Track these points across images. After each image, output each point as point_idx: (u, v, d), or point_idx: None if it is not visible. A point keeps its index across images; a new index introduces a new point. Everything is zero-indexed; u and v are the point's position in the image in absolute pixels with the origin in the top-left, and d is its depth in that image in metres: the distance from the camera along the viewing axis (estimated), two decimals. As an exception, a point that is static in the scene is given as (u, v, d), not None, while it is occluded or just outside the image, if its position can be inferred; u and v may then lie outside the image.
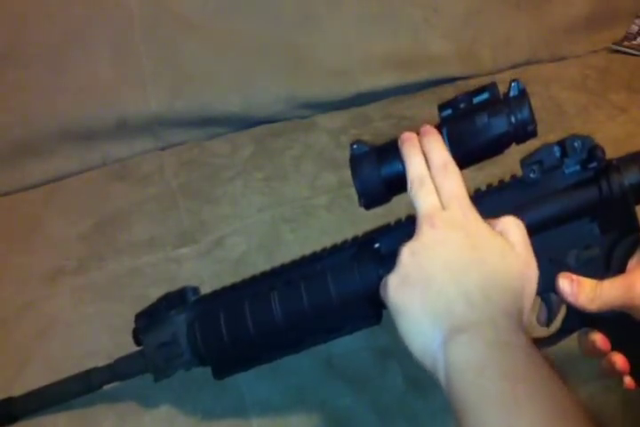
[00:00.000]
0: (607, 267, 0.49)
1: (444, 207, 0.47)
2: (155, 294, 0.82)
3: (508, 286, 0.44)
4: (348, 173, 1.01)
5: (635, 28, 1.30)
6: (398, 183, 0.52)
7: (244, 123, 1.13)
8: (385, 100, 1.17)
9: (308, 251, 0.87)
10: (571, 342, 0.54)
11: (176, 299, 0.64)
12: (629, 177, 0.49)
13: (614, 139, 1.02)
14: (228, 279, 0.83)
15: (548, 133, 1.08)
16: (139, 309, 0.80)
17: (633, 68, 1.22)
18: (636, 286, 0.47)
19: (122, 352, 0.67)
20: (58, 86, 1.03)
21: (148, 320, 0.64)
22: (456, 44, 1.21)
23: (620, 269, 0.49)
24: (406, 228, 0.54)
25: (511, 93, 0.52)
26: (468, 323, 0.42)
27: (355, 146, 0.53)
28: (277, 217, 0.92)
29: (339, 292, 0.56)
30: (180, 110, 1.09)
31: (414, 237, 0.46)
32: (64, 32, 1.02)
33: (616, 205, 0.49)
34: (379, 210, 0.95)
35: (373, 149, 0.53)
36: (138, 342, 0.65)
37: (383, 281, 0.47)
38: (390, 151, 0.52)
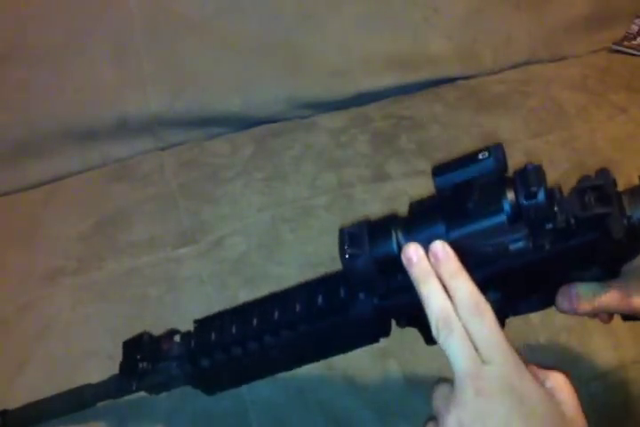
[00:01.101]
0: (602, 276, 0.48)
1: (483, 360, 0.40)
2: (155, 293, 0.82)
3: None
4: (347, 173, 1.01)
5: (635, 28, 1.30)
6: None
7: (243, 123, 1.13)
8: (385, 100, 1.17)
9: (307, 251, 0.87)
10: (571, 341, 0.54)
11: (163, 347, 0.59)
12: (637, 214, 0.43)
13: (614, 139, 1.02)
14: (228, 279, 0.84)
15: (548, 133, 1.10)
16: (138, 309, 0.81)
17: (633, 68, 1.22)
18: (632, 297, 0.46)
19: (121, 352, 0.67)
20: (58, 86, 1.03)
21: (136, 371, 0.59)
22: (456, 44, 1.21)
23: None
24: None
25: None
26: None
27: (347, 256, 0.47)
28: (277, 217, 0.92)
29: (336, 331, 0.53)
30: (179, 110, 1.09)
31: (458, 401, 0.40)
32: (64, 32, 1.02)
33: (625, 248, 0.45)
34: (379, 210, 0.95)
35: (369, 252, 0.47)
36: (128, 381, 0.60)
37: None
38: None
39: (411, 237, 0.46)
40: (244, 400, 0.68)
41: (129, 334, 0.66)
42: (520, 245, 0.43)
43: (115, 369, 0.70)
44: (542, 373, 0.42)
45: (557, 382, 0.42)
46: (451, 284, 0.42)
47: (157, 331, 0.77)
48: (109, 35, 1.04)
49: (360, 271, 0.47)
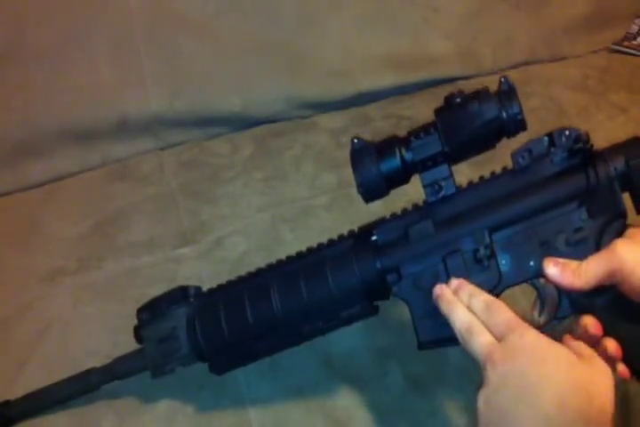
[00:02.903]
0: (597, 250, 0.50)
1: (499, 340, 0.47)
2: (154, 294, 0.82)
3: (583, 396, 0.43)
4: (347, 172, 1.00)
5: (635, 28, 1.30)
6: (396, 177, 0.55)
7: (244, 123, 1.13)
8: (385, 100, 1.17)
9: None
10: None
11: (178, 295, 0.65)
12: (615, 164, 0.52)
13: (614, 139, 1.02)
14: (228, 279, 0.83)
15: (548, 133, 1.09)
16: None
17: (633, 68, 1.22)
18: (618, 254, 0.48)
19: (121, 352, 0.67)
20: (58, 86, 1.03)
21: (149, 314, 0.64)
22: (456, 44, 1.21)
23: None
24: (402, 219, 0.58)
25: (501, 88, 0.53)
26: None
27: (355, 140, 0.57)
28: (277, 217, 0.92)
29: (337, 283, 0.57)
30: (179, 110, 1.09)
31: (484, 383, 0.46)
32: (64, 32, 1.02)
33: (603, 191, 0.51)
34: (378, 210, 0.95)
35: (373, 145, 0.57)
36: (139, 338, 0.65)
37: None
38: (389, 147, 0.55)
39: (412, 151, 0.55)
40: (244, 400, 0.68)
41: (129, 334, 0.66)
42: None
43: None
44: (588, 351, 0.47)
45: (597, 363, 0.46)
46: (470, 302, 0.50)
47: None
48: (109, 35, 1.04)
49: (372, 183, 0.56)
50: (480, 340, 0.47)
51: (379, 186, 0.56)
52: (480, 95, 0.52)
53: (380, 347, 0.71)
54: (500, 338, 0.47)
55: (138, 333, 0.65)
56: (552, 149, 0.52)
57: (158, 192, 1.00)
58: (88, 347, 0.75)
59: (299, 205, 0.93)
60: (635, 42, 1.29)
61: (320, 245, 0.61)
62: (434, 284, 0.53)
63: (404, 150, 0.55)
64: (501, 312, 0.48)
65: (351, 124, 1.11)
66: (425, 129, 0.55)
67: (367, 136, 1.06)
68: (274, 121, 1.14)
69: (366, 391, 0.67)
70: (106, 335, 0.76)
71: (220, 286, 0.65)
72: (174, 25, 1.07)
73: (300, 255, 0.61)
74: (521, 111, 0.52)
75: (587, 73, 1.21)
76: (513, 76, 1.29)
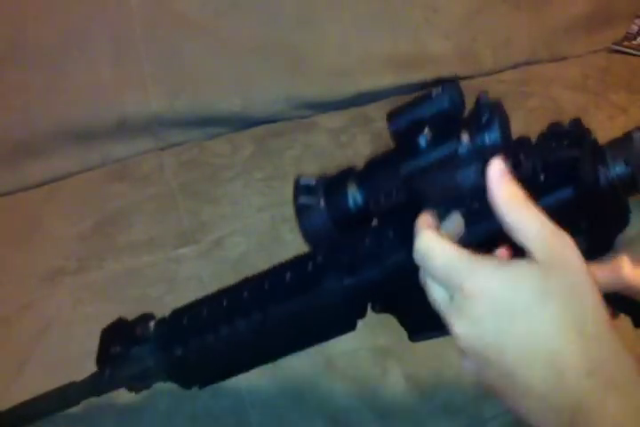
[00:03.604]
0: (592, 250, 0.44)
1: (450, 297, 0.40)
2: (155, 293, 0.82)
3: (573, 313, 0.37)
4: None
5: (635, 28, 1.30)
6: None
7: (244, 123, 1.13)
8: (385, 100, 1.17)
9: (307, 251, 0.87)
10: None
11: (136, 331, 0.58)
12: (616, 168, 0.41)
13: (614, 139, 1.02)
14: (228, 279, 0.83)
15: (548, 133, 1.08)
16: (138, 309, 0.80)
17: (633, 68, 1.22)
18: (623, 268, 0.44)
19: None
20: (58, 86, 1.03)
21: (111, 358, 0.59)
22: (456, 44, 1.21)
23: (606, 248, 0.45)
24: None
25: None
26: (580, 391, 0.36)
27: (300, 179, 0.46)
28: (277, 217, 0.92)
29: (307, 308, 0.50)
30: (180, 110, 1.09)
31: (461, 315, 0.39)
32: (64, 32, 1.02)
33: (603, 197, 0.43)
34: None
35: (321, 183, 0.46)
36: (103, 372, 0.60)
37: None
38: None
39: (367, 187, 0.44)
40: (244, 400, 0.68)
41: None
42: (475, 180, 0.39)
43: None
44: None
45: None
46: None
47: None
48: (109, 35, 1.04)
49: (314, 224, 0.45)
50: (432, 298, 0.40)
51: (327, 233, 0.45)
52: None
53: (380, 347, 0.71)
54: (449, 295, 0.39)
55: (102, 369, 0.60)
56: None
57: (158, 192, 1.00)
58: (88, 347, 0.75)
59: (299, 205, 0.93)
60: (635, 42, 1.29)
61: (284, 265, 0.55)
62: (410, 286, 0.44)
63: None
64: (433, 258, 0.39)
65: (351, 124, 1.11)
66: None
67: (367, 136, 1.07)
68: (274, 121, 1.14)
69: (366, 391, 0.67)
70: (106, 335, 0.76)
71: (182, 313, 0.58)
72: (174, 25, 1.07)
73: (264, 278, 0.55)
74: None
75: (587, 73, 1.21)
76: (513, 76, 1.30)
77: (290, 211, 1.01)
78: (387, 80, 1.18)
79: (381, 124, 1.18)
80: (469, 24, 1.21)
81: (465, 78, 1.21)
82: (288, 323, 0.51)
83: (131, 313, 0.67)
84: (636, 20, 1.31)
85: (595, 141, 0.42)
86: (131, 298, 0.81)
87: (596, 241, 0.44)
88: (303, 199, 0.45)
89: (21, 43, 1.00)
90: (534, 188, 0.39)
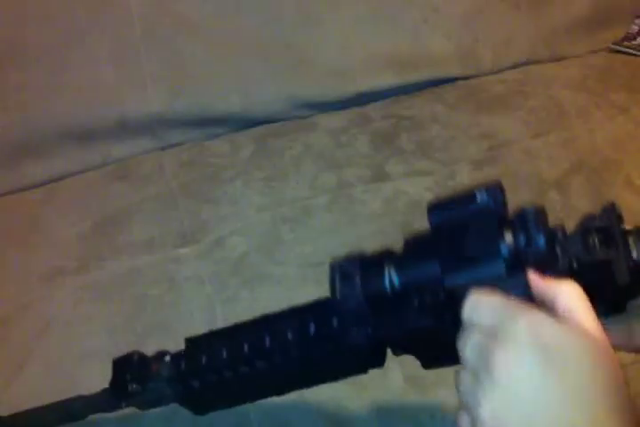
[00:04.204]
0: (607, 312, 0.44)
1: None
2: (155, 293, 0.82)
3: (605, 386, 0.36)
4: (348, 172, 1.01)
5: (635, 28, 1.30)
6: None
7: (244, 123, 1.13)
8: (385, 100, 1.17)
9: (307, 251, 0.87)
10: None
11: (152, 367, 0.58)
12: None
13: (614, 139, 1.02)
14: (228, 279, 0.84)
15: (548, 133, 1.10)
16: (138, 309, 0.80)
17: (633, 68, 1.22)
18: (635, 334, 0.44)
19: (121, 352, 0.66)
20: (58, 86, 1.03)
21: (127, 391, 0.58)
22: (456, 44, 1.21)
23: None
24: None
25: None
26: None
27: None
28: (277, 217, 0.92)
29: (327, 359, 0.51)
30: (180, 110, 1.09)
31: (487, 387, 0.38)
32: (64, 32, 1.02)
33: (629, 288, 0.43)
34: (379, 209, 0.95)
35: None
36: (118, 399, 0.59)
37: None
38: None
39: (404, 276, 0.44)
40: (244, 400, 0.68)
41: (129, 334, 0.66)
42: (519, 292, 0.40)
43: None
44: (550, 291, 0.39)
45: (567, 298, 0.39)
46: None
47: (157, 331, 0.77)
48: (109, 34, 1.04)
49: (352, 309, 0.46)
50: (469, 354, 0.39)
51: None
52: None
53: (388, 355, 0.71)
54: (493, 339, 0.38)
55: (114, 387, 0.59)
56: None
57: (158, 192, 1.00)
58: (88, 347, 0.75)
59: (299, 205, 0.93)
60: (635, 42, 1.28)
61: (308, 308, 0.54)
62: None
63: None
64: (487, 307, 0.39)
65: (351, 125, 1.11)
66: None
67: (367, 136, 1.07)
68: (274, 121, 1.14)
69: (366, 391, 0.67)
70: (106, 335, 0.76)
71: (199, 345, 0.57)
72: (174, 25, 1.07)
73: (282, 321, 0.54)
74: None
75: (587, 73, 1.21)
76: (513, 76, 1.30)
77: (290, 211, 1.01)
78: (387, 80, 1.18)
79: (381, 124, 1.19)
80: (469, 24, 1.21)
81: (465, 78, 1.21)
82: (308, 368, 0.52)
83: (131, 313, 0.67)
84: (636, 20, 1.30)
85: (625, 232, 0.42)
86: (131, 298, 0.81)
87: (611, 306, 0.44)
88: (342, 288, 0.46)
89: (21, 43, 1.00)
90: (565, 275, 0.40)
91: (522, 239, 0.40)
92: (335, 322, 0.50)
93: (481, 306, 0.40)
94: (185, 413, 0.67)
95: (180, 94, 1.09)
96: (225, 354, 0.54)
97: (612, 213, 0.42)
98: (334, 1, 1.13)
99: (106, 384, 0.59)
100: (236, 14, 1.09)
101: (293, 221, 0.91)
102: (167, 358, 0.57)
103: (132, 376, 0.57)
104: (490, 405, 0.37)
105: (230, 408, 0.58)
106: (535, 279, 0.40)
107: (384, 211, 0.90)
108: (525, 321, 0.37)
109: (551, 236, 0.41)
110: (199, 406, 0.58)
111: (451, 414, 0.65)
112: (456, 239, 0.42)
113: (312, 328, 0.51)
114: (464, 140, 1.03)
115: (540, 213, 0.42)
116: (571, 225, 0.44)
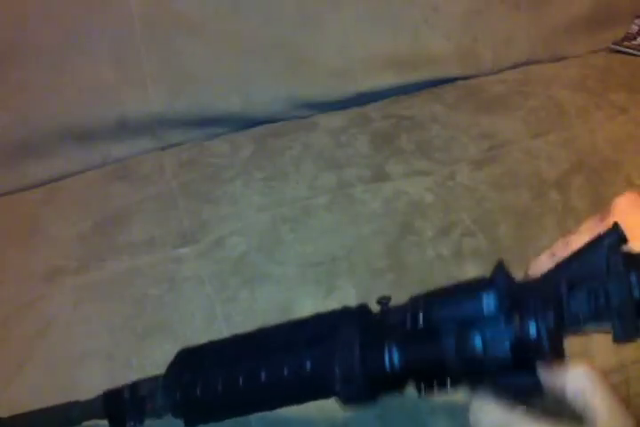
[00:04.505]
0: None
1: None
2: (155, 293, 0.82)
3: None
4: (348, 172, 1.01)
5: (635, 28, 1.30)
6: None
7: (244, 123, 1.13)
8: (385, 100, 1.17)
9: (307, 251, 0.87)
10: (571, 341, 0.54)
11: (147, 389, 0.57)
12: None
13: (614, 139, 1.02)
14: (228, 279, 0.84)
15: (548, 133, 1.10)
16: (138, 309, 0.80)
17: (633, 68, 1.22)
18: None
19: (121, 352, 0.67)
20: (58, 86, 1.03)
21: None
22: (456, 44, 1.21)
23: None
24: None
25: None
26: None
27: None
28: (277, 217, 0.92)
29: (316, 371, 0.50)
30: (180, 110, 1.09)
31: None
32: (64, 32, 1.02)
33: None
34: (379, 209, 0.95)
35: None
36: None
37: None
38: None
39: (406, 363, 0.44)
40: (244, 400, 0.68)
41: (129, 334, 0.66)
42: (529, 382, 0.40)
43: (114, 370, 0.70)
44: (560, 378, 0.39)
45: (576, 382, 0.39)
46: None
47: (158, 331, 0.77)
48: (109, 35, 1.04)
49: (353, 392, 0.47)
50: None
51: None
52: None
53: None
54: None
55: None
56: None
57: (158, 192, 1.00)
58: (88, 347, 0.75)
59: (299, 205, 0.93)
60: (635, 42, 1.28)
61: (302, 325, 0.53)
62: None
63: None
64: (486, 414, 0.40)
65: (351, 124, 1.11)
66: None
67: (367, 136, 1.07)
68: (274, 121, 1.14)
69: (366, 391, 0.67)
70: (106, 335, 0.76)
71: (199, 376, 0.56)
72: (174, 25, 1.07)
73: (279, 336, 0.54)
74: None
75: (587, 73, 1.21)
76: (513, 76, 1.30)
77: (290, 211, 1.01)
78: (387, 80, 1.18)
79: (381, 124, 1.19)
80: (469, 24, 1.21)
81: (465, 78, 1.21)
82: (306, 389, 0.53)
83: (131, 313, 0.67)
84: (636, 20, 1.30)
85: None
86: (131, 298, 0.81)
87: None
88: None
89: (21, 43, 1.00)
90: None
91: (529, 333, 0.39)
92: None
93: (483, 417, 0.40)
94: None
95: (179, 94, 1.09)
96: (220, 387, 0.53)
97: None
98: (334, 1, 1.13)
99: (106, 385, 0.59)
100: (236, 14, 1.09)
101: (293, 221, 0.91)
102: (159, 392, 0.56)
103: (130, 416, 0.57)
104: None
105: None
106: (543, 368, 0.39)
107: (384, 211, 0.90)
108: None
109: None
110: (191, 417, 0.57)
111: (451, 413, 0.65)
112: (464, 340, 0.41)
113: (308, 367, 0.50)
114: (464, 140, 1.03)
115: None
116: (570, 225, 0.44)
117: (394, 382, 0.45)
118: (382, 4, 1.16)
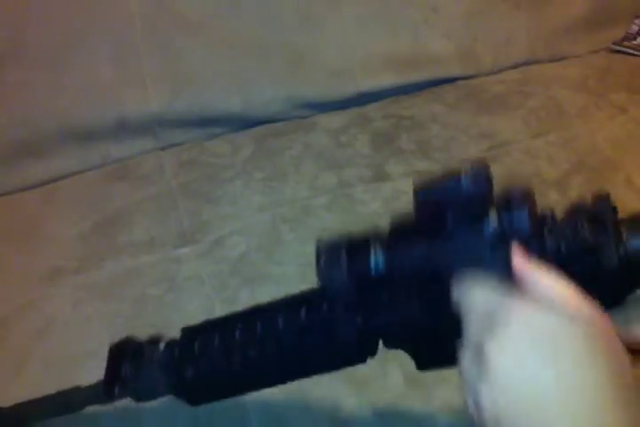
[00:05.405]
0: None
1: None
2: (155, 293, 0.82)
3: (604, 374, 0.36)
4: (348, 172, 1.01)
5: (635, 28, 1.30)
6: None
7: (244, 123, 1.13)
8: (385, 100, 1.17)
9: (307, 251, 0.87)
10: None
11: (146, 353, 0.58)
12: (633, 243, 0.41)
13: (614, 139, 1.02)
14: (228, 279, 0.84)
15: (548, 133, 1.10)
16: (138, 309, 0.81)
17: (633, 68, 1.22)
18: (632, 324, 0.44)
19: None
20: (58, 86, 1.03)
21: (121, 377, 0.58)
22: (456, 44, 1.21)
23: None
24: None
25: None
26: None
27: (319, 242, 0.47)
28: (277, 217, 0.92)
29: (319, 346, 0.52)
30: (180, 110, 1.09)
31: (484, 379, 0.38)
32: (64, 32, 1.02)
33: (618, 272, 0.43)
34: (379, 209, 0.95)
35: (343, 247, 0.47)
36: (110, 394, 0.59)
37: None
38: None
39: (390, 256, 0.45)
40: (244, 399, 0.67)
41: (129, 334, 0.66)
42: (501, 270, 0.41)
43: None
44: (534, 275, 0.40)
45: (550, 284, 0.39)
46: None
47: (158, 331, 0.76)
48: (109, 35, 1.04)
49: (338, 291, 0.46)
50: (471, 339, 0.39)
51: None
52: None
53: (380, 347, 0.71)
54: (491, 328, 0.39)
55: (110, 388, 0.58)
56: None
57: (158, 192, 1.00)
58: (88, 347, 0.75)
59: (299, 205, 0.93)
60: (635, 42, 1.28)
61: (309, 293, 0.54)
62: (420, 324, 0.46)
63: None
64: (479, 295, 0.40)
65: (351, 124, 1.11)
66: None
67: (367, 136, 1.07)
68: (274, 121, 1.14)
69: (366, 391, 0.67)
70: (106, 335, 0.76)
71: (193, 332, 0.58)
72: (174, 25, 1.07)
73: (282, 303, 0.55)
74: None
75: (587, 73, 1.21)
76: (513, 76, 1.30)
77: (290, 211, 1.01)
78: (387, 80, 1.18)
79: (381, 124, 1.19)
80: (469, 24, 1.21)
81: (465, 78, 1.21)
82: (301, 356, 0.53)
83: (131, 313, 0.67)
84: (636, 20, 1.30)
85: (618, 221, 0.43)
86: (131, 298, 0.81)
87: (609, 298, 0.43)
88: (325, 261, 0.46)
89: (21, 43, 1.00)
90: (553, 261, 0.41)
91: (506, 218, 0.41)
92: (325, 309, 0.50)
93: (472, 294, 0.40)
94: (185, 413, 0.68)
95: (179, 94, 1.09)
96: (218, 342, 0.54)
97: (605, 201, 0.43)
98: (334, 1, 1.13)
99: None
100: (236, 14, 1.09)
101: (293, 221, 0.91)
102: (161, 345, 0.57)
103: (126, 361, 0.57)
104: (488, 394, 0.37)
105: (225, 399, 0.58)
106: (520, 261, 0.40)
107: (384, 211, 0.90)
108: (516, 312, 0.38)
109: (538, 218, 0.42)
110: (193, 396, 0.57)
111: (450, 414, 0.65)
112: (441, 219, 0.43)
113: (303, 315, 0.51)
114: (464, 140, 1.03)
115: (527, 194, 0.42)
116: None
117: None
118: (382, 4, 1.16)
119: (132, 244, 0.91)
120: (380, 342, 0.50)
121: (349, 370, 0.69)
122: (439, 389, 0.67)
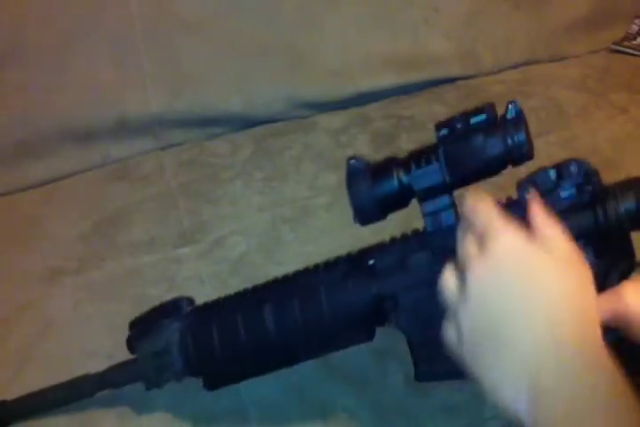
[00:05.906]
0: (601, 291, 0.47)
1: (480, 248, 0.43)
2: (155, 293, 0.82)
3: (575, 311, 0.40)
4: (347, 172, 0.99)
5: (635, 28, 1.30)
6: (393, 202, 0.53)
7: (244, 123, 1.13)
8: (385, 100, 1.17)
9: (307, 251, 0.87)
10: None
11: (170, 308, 0.63)
12: (625, 203, 0.47)
13: (614, 139, 1.02)
14: (228, 279, 0.84)
15: (548, 133, 1.10)
16: (139, 309, 0.80)
17: (633, 68, 1.22)
18: (625, 298, 0.45)
19: (121, 352, 0.67)
20: (58, 86, 1.03)
21: (142, 328, 0.63)
22: (456, 44, 1.21)
23: None
24: (401, 246, 0.56)
25: (508, 115, 0.49)
26: (549, 375, 0.38)
27: (352, 161, 0.54)
28: (277, 217, 0.92)
29: (332, 308, 0.56)
30: (180, 110, 1.09)
31: (466, 299, 0.42)
32: (64, 32, 1.02)
33: (611, 231, 0.48)
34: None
35: (369, 167, 0.53)
36: (132, 349, 0.64)
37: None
38: (387, 171, 0.52)
39: (411, 176, 0.51)
40: (244, 399, 0.68)
41: (129, 334, 0.66)
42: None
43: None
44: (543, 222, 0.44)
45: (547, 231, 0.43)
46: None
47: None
48: (109, 34, 1.04)
49: (365, 208, 0.53)
50: (461, 251, 0.43)
51: (374, 210, 0.53)
52: (485, 128, 0.50)
53: (380, 347, 0.71)
54: (480, 246, 0.42)
55: (130, 344, 0.63)
56: (560, 183, 0.49)
57: (158, 192, 1.00)
58: (88, 347, 0.75)
59: (299, 205, 0.93)
60: (635, 42, 1.28)
61: (316, 267, 0.60)
62: (432, 314, 0.48)
63: (402, 175, 0.52)
64: (481, 213, 0.44)
65: (351, 124, 1.11)
66: (426, 157, 0.52)
67: (367, 136, 1.07)
68: (274, 121, 1.14)
69: (366, 391, 0.67)
70: (106, 335, 0.76)
71: (215, 302, 0.63)
72: (174, 25, 1.07)
73: (295, 275, 0.60)
74: (529, 142, 0.49)
75: (587, 73, 1.21)
76: (513, 76, 1.30)
77: (290, 211, 1.01)
78: (387, 80, 1.18)
79: (381, 124, 1.19)
80: (469, 24, 1.21)
81: (465, 78, 1.21)
82: (314, 325, 0.56)
83: (131, 313, 0.67)
84: (636, 20, 1.30)
85: (600, 182, 0.49)
86: (131, 298, 0.81)
87: (605, 281, 0.48)
88: (354, 178, 0.53)
89: (21, 43, 1.00)
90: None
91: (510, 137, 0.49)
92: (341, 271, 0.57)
93: (476, 211, 0.44)
94: (185, 413, 0.68)
95: (179, 94, 1.09)
96: (231, 301, 0.60)
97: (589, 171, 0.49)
98: (334, 1, 1.13)
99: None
100: (236, 14, 1.09)
101: (293, 221, 0.91)
102: (187, 306, 0.63)
103: (149, 316, 0.64)
104: (467, 313, 0.42)
105: (234, 382, 0.62)
106: (536, 206, 0.45)
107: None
108: (505, 239, 0.42)
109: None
110: (209, 372, 0.60)
111: (451, 414, 0.65)
112: (461, 148, 0.50)
113: (320, 277, 0.57)
114: (464, 140, 1.03)
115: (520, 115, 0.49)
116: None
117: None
118: (382, 4, 1.16)
119: (131, 244, 0.91)
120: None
121: (349, 370, 0.69)
122: (439, 389, 0.67)
